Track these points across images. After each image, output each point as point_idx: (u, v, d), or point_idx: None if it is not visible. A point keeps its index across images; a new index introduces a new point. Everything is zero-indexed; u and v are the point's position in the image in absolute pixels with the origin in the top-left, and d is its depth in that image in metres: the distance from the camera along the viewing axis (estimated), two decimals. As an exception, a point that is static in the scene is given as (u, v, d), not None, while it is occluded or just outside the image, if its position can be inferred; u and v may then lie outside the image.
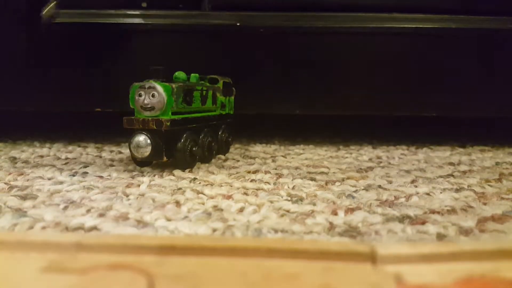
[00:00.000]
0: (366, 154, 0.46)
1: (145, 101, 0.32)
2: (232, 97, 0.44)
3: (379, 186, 0.31)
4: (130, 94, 0.33)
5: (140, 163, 0.35)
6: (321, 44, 0.49)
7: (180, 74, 0.36)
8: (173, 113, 0.33)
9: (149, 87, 0.32)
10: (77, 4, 0.47)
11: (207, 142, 0.38)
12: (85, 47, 0.49)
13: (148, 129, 0.33)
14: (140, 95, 0.33)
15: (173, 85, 0.33)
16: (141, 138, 0.33)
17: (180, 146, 0.34)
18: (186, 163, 0.35)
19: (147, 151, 0.33)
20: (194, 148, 0.35)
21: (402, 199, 0.27)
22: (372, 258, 0.16)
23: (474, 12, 0.48)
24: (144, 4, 0.48)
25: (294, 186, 0.30)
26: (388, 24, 0.48)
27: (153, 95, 0.32)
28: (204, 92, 0.37)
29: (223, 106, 0.42)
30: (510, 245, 0.16)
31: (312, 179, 0.32)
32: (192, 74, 0.38)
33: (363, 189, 0.30)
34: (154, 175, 0.33)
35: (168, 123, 0.32)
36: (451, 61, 0.49)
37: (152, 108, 0.33)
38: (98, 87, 0.49)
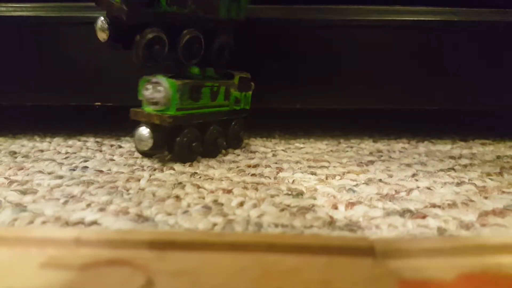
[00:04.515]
0: (366, 147, 0.45)
1: (150, 95, 0.33)
2: (250, 92, 0.43)
3: (380, 180, 0.31)
4: (139, 86, 0.34)
5: (144, 154, 0.36)
6: (321, 37, 0.48)
7: (193, 70, 0.36)
8: (178, 109, 0.33)
9: (155, 82, 0.33)
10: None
11: (213, 138, 0.37)
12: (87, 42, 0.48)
13: (152, 123, 0.33)
14: (147, 89, 0.33)
15: (179, 82, 0.33)
16: (144, 132, 0.33)
17: (179, 142, 0.34)
18: (185, 158, 0.35)
19: (148, 144, 0.33)
20: (193, 144, 0.35)
21: (403, 193, 0.27)
22: (373, 253, 0.16)
23: (476, 4, 0.47)
24: None
25: (294, 180, 0.30)
26: (389, 17, 0.47)
27: (158, 90, 0.33)
28: (215, 88, 0.37)
29: (238, 101, 0.41)
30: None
31: (313, 173, 0.32)
32: (208, 69, 0.38)
33: (363, 183, 0.30)
34: (154, 170, 0.33)
35: (171, 119, 0.32)
36: (452, 54, 0.49)
37: (156, 103, 0.33)
38: (99, 81, 0.49)
